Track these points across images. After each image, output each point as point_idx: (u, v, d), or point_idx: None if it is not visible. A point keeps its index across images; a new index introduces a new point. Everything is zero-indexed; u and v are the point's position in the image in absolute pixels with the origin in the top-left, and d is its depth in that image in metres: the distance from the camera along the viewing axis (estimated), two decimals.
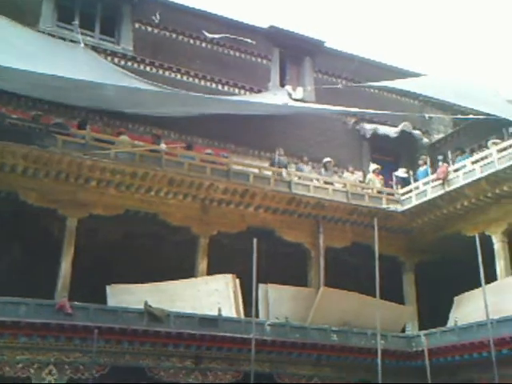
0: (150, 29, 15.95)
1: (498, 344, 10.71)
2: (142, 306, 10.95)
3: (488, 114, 12.96)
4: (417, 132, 17.47)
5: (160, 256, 12.95)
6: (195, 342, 11.03)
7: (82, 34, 14.61)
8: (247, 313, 11.84)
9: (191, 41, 16.33)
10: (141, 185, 12.39)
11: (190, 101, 13.78)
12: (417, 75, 18.64)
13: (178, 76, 15.78)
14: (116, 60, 15.09)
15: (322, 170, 14.95)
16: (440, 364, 11.96)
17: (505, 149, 12.35)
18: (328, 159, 15.13)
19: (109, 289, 11.41)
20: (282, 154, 14.75)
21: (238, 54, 16.84)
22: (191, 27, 16.26)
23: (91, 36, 15.11)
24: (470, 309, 12.20)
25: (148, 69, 15.46)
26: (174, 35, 16.16)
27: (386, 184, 15.32)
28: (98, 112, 14.12)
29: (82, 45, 14.19)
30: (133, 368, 10.77)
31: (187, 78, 15.91)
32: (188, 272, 12.42)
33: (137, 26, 15.71)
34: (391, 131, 17.10)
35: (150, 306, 10.91)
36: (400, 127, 17.10)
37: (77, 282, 11.15)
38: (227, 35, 16.49)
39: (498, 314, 11.07)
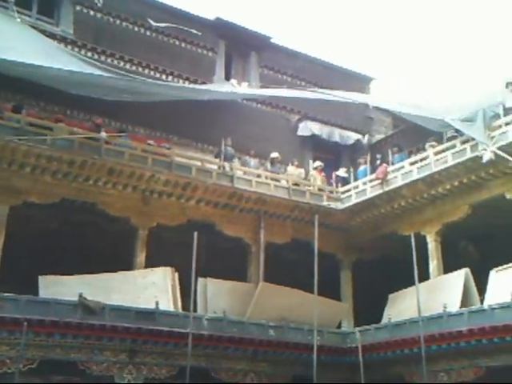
0: (92, 12, 15.42)
1: (427, 340, 11.04)
2: (76, 298, 10.60)
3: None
4: (358, 135, 17.75)
5: (97, 247, 12.60)
6: (130, 335, 10.79)
7: (18, 12, 13.86)
8: (185, 307, 11.71)
9: (135, 28, 15.93)
10: (79, 173, 12.02)
11: (136, 86, 13.36)
12: (362, 76, 19.02)
13: (121, 63, 15.33)
14: (55, 43, 14.49)
15: (269, 165, 14.93)
16: (373, 360, 12.22)
17: (441, 152, 12.73)
18: (275, 155, 15.15)
19: (41, 280, 11.00)
20: (229, 144, 14.60)
21: (183, 44, 16.56)
22: (136, 14, 15.86)
23: (28, 15, 14.44)
24: (404, 306, 12.52)
25: (90, 54, 14.89)
26: (117, 21, 15.71)
27: (327, 182, 15.50)
28: (35, 96, 13.53)
29: (19, 20, 13.52)
30: (63, 362, 10.42)
31: (130, 66, 15.50)
32: (126, 264, 12.16)
33: (78, 8, 15.15)
34: (334, 135, 17.29)
35: (84, 298, 10.58)
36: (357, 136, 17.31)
37: (7, 272, 10.65)
38: (173, 25, 16.17)
39: (429, 311, 11.41)
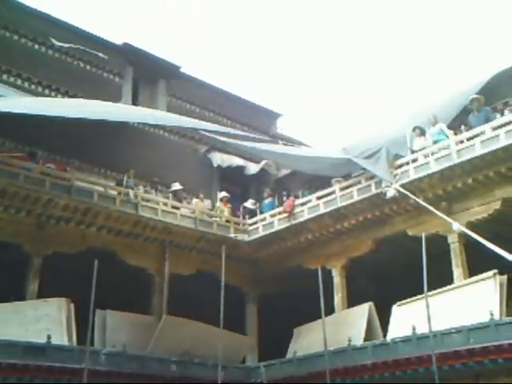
0: None
1: (333, 374, 10.99)
2: None
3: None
4: (266, 168, 17.81)
5: None
6: (16, 373, 9.76)
7: None
8: (82, 341, 10.87)
9: (36, 46, 15.12)
10: None
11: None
12: (270, 112, 19.27)
13: (19, 81, 14.47)
14: None
15: (171, 195, 14.51)
16: None
17: (347, 187, 13.00)
18: (178, 187, 14.78)
19: None
20: (131, 175, 14.04)
21: (88, 67, 15.95)
22: (36, 31, 15.06)
23: None
24: (309, 340, 12.46)
25: None
26: (15, 36, 14.81)
27: (234, 214, 15.32)
28: None
29: None
30: None
31: (29, 85, 14.66)
32: (16, 294, 11.14)
33: None
34: (250, 168, 17.24)
35: None
36: (261, 165, 17.30)
37: None
38: (78, 46, 15.56)
39: (334, 345, 11.41)
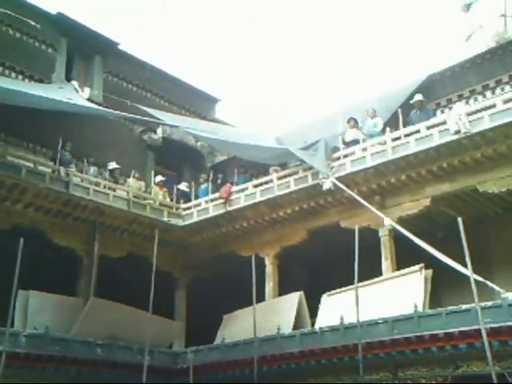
0: None
1: (260, 362, 11.06)
2: None
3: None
4: (198, 144, 17.56)
5: None
6: None
7: None
8: (1, 322, 10.38)
9: None
10: None
11: None
12: (209, 97, 19.06)
13: None
14: None
15: (107, 174, 14.09)
16: (204, 381, 11.92)
17: (284, 177, 13.06)
18: (114, 165, 14.39)
19: None
20: (67, 149, 13.53)
21: (18, 34, 15.04)
22: None
23: None
24: (238, 327, 12.46)
25: None
26: None
27: (170, 197, 15.07)
28: None
29: None
30: None
31: None
32: None
33: None
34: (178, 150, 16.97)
35: None
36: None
37: None
38: (6, 11, 14.70)
39: (263, 332, 11.45)
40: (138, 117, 14.85)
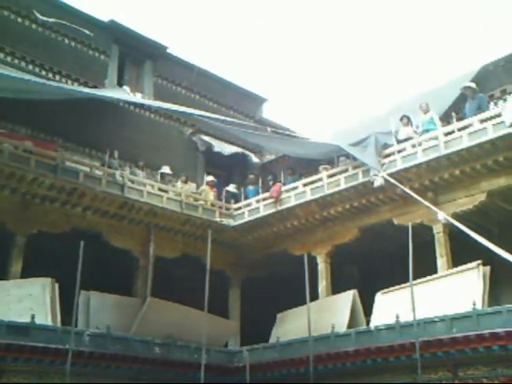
0: None
1: (315, 360, 11.09)
2: None
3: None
4: (249, 154, 17.77)
5: None
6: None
7: None
8: (65, 321, 10.79)
9: (19, 19, 14.65)
10: None
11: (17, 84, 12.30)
12: (256, 96, 19.17)
13: (1, 55, 14.08)
14: None
15: (158, 177, 14.41)
16: (260, 379, 12.05)
17: (334, 175, 13.05)
18: (167, 170, 14.71)
19: None
20: (116, 157, 13.91)
21: (73, 43, 15.54)
22: (19, 4, 14.63)
23: None
24: (292, 326, 12.55)
25: None
26: None
27: (219, 198, 15.27)
28: None
29: None
30: None
31: (12, 60, 14.22)
32: None
33: None
34: (225, 149, 17.17)
35: None
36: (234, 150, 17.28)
37: None
38: (62, 21, 15.20)
39: (317, 331, 11.49)
40: (188, 111, 15.15)
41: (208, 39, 43.39)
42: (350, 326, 11.68)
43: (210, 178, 15.41)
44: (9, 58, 14.09)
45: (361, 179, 12.34)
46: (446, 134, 11.35)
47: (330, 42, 46.62)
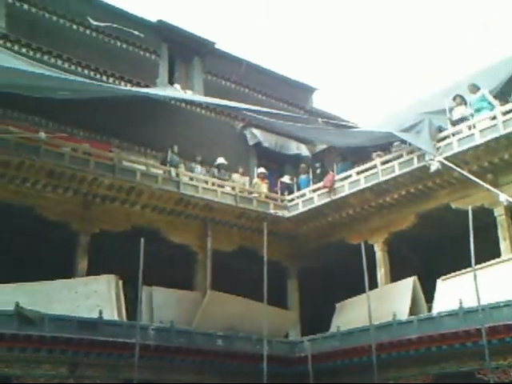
0: (26, 6, 14.45)
1: (377, 349, 11.01)
2: (11, 308, 9.81)
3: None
4: (300, 144, 17.72)
5: (35, 253, 11.80)
6: (72, 346, 10.10)
7: None
8: (129, 316, 11.14)
9: (74, 26, 15.13)
10: (15, 175, 11.32)
11: (75, 87, 12.73)
12: (305, 86, 19.10)
13: (59, 62, 14.52)
14: None
15: (216, 171, 14.61)
16: (322, 369, 12.08)
17: (388, 161, 12.88)
18: (222, 160, 14.90)
19: None
20: (175, 151, 14.22)
21: (124, 45, 15.95)
22: (74, 11, 15.09)
23: None
24: (351, 315, 12.50)
25: (24, 50, 13.98)
26: (54, 17, 14.83)
27: (271, 190, 15.36)
28: None
29: None
30: None
31: (69, 66, 14.69)
32: (66, 272, 11.46)
33: (10, 0, 14.17)
34: (275, 142, 17.17)
35: (21, 308, 9.80)
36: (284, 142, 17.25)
37: None
38: (114, 25, 15.59)
39: (378, 320, 11.41)
40: (237, 106, 15.30)
41: (254, 32, 43.47)
42: (411, 313, 11.53)
43: (261, 170, 15.53)
44: (66, 65, 14.56)
45: (416, 164, 12.14)
46: (505, 114, 11.01)
47: (376, 26, 45.83)
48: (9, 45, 13.65)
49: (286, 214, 14.33)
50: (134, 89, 14.79)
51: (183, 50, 17.08)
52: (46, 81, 12.01)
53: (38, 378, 9.98)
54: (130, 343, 10.36)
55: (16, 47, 13.77)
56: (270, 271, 12.32)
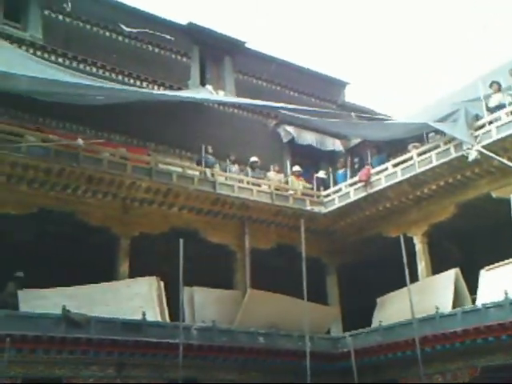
0: (61, 17, 14.79)
1: (421, 342, 10.87)
2: (58, 312, 10.09)
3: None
4: (334, 139, 17.60)
5: (77, 258, 12.07)
6: (118, 348, 10.36)
7: None
8: (172, 317, 11.31)
9: (107, 33, 15.42)
10: (56, 182, 11.61)
11: (111, 94, 13.00)
12: (337, 81, 19.00)
13: (94, 69, 14.79)
14: (24, 48, 13.81)
15: (249, 169, 14.68)
16: (365, 364, 12.00)
17: (424, 152, 12.72)
18: (255, 159, 14.95)
19: (20, 294, 10.48)
20: (210, 151, 14.35)
21: (156, 49, 16.13)
22: (107, 19, 15.36)
23: None
24: (393, 309, 12.41)
25: (60, 60, 14.32)
26: (88, 26, 15.15)
27: (307, 187, 15.32)
28: (3, 104, 12.91)
29: None
30: (48, 378, 9.91)
31: (103, 72, 14.96)
32: (108, 275, 11.71)
33: (46, 12, 14.50)
34: (309, 139, 17.11)
35: (68, 311, 10.07)
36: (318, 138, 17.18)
37: None
38: (145, 30, 15.81)
39: (420, 313, 11.27)
40: (270, 105, 15.33)
41: (283, 29, 43.27)
42: (454, 305, 11.40)
43: (296, 168, 15.51)
44: (101, 71, 14.80)
45: (454, 154, 11.96)
46: None
47: (407, 18, 45.16)
48: (46, 55, 13.99)
49: (323, 209, 14.29)
50: (170, 93, 14.96)
51: (214, 50, 17.18)
52: (84, 89, 12.29)
53: (87, 379, 10.25)
54: (173, 343, 10.51)
55: (53, 57, 14.08)
56: (309, 267, 12.30)
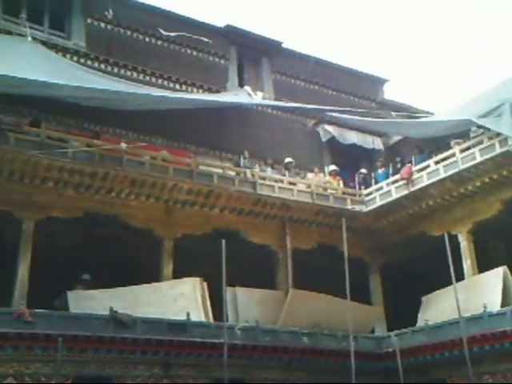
0: (103, 25, 15.17)
1: (469, 342, 10.70)
2: (105, 312, 10.34)
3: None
4: (374, 138, 17.45)
5: (122, 260, 12.29)
6: (164, 348, 10.56)
7: (30, 27, 13.77)
8: (216, 317, 11.42)
9: (146, 38, 15.69)
10: (101, 186, 11.85)
11: (154, 99, 13.22)
12: (375, 78, 18.84)
13: (135, 74, 15.11)
14: (68, 56, 14.24)
15: (287, 172, 14.69)
16: (410, 364, 11.88)
17: (468, 148, 12.50)
18: (289, 160, 14.96)
19: (70, 295, 10.76)
20: (246, 156, 14.45)
21: (194, 52, 16.35)
22: (146, 24, 15.64)
23: (40, 30, 14.26)
24: (439, 308, 12.23)
25: (102, 66, 14.69)
26: (128, 32, 15.47)
27: (347, 186, 15.24)
28: (51, 111, 13.28)
29: (30, 38, 13.38)
30: (98, 377, 10.17)
31: (144, 77, 15.25)
32: (152, 276, 11.89)
33: (89, 21, 14.92)
34: (348, 138, 17.00)
35: (115, 312, 10.31)
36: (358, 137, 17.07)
37: (34, 288, 10.40)
38: (183, 33, 16.00)
39: (466, 312, 11.10)
40: (308, 107, 15.33)
41: (319, 28, 43.07)
42: (503, 304, 11.15)
43: (332, 167, 15.47)
44: (141, 76, 15.10)
45: (498, 150, 11.72)
46: None
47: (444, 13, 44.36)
48: (89, 63, 14.39)
49: (364, 208, 14.19)
50: (209, 98, 15.06)
51: (251, 51, 17.28)
52: (128, 96, 12.55)
53: (135, 378, 10.47)
54: (218, 343, 10.64)
55: (96, 64, 14.45)
56: (351, 267, 12.28)
